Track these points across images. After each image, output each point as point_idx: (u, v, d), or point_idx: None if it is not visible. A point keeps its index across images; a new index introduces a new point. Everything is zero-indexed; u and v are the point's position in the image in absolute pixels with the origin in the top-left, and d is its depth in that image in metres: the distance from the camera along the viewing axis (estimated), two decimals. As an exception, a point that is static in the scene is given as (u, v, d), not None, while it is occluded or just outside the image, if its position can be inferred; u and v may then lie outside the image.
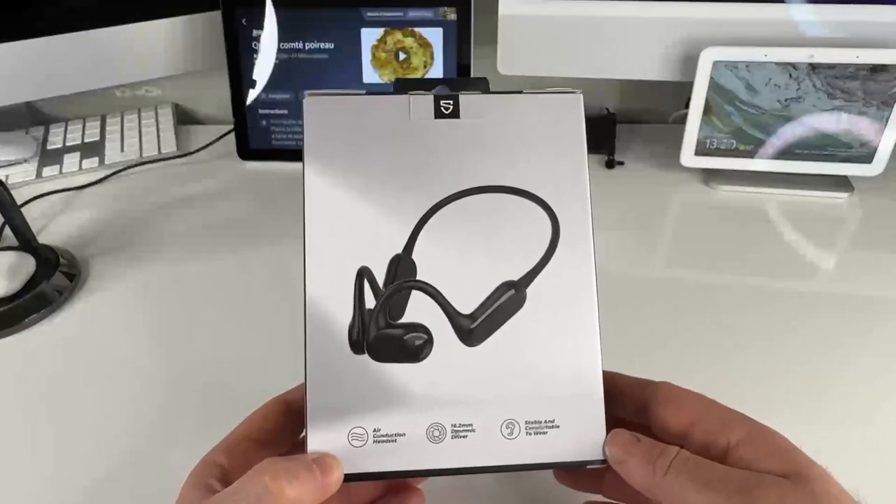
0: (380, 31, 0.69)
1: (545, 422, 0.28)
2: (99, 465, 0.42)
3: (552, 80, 0.79)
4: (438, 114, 0.30)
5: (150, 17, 0.72)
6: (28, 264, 0.55)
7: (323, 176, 0.30)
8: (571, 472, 0.33)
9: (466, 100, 0.30)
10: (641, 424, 0.30)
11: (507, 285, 0.29)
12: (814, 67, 0.61)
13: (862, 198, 0.65)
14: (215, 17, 0.70)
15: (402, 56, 0.69)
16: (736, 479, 0.25)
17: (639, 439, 0.28)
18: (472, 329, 0.29)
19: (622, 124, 0.77)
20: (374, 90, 0.31)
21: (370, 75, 0.70)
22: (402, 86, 0.31)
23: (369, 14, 0.68)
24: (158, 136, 0.78)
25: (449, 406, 0.28)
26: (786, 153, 0.65)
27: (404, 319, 0.29)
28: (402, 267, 0.29)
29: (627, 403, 0.30)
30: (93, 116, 0.82)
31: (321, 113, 0.30)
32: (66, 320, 0.54)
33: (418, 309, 0.29)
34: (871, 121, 0.62)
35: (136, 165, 0.74)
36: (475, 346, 0.29)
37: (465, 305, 0.29)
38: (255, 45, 0.70)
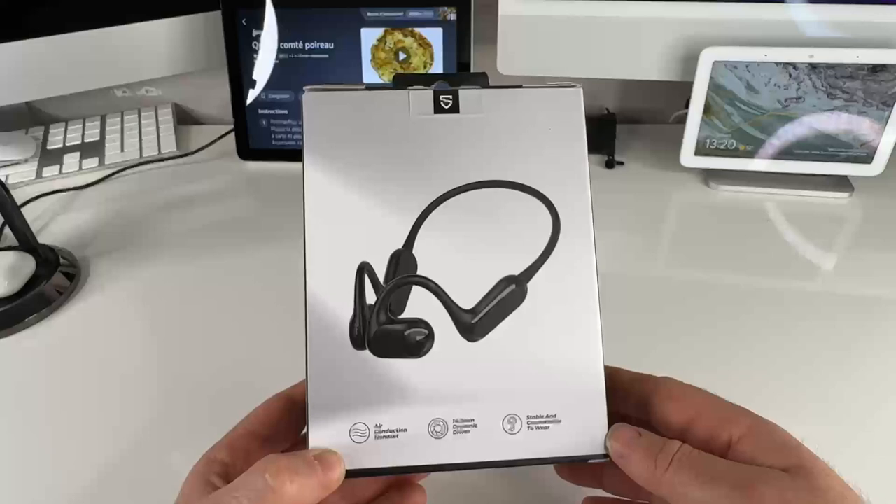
0: (380, 31, 0.69)
1: (547, 416, 0.28)
2: (99, 465, 0.42)
3: (552, 80, 0.79)
4: (438, 109, 0.30)
5: (150, 17, 0.72)
6: (28, 264, 0.55)
7: (323, 171, 0.30)
8: (572, 468, 0.33)
9: (466, 94, 0.30)
10: (642, 419, 0.30)
11: (508, 280, 0.29)
12: (814, 67, 0.61)
13: (862, 198, 0.65)
14: (215, 17, 0.70)
15: (402, 56, 0.69)
16: (738, 473, 0.25)
17: (640, 434, 0.28)
18: (474, 324, 0.29)
19: (622, 124, 0.77)
20: (373, 85, 0.31)
21: (370, 75, 0.70)
22: (402, 81, 0.31)
23: (369, 14, 0.68)
24: (158, 136, 0.78)
25: (450, 401, 0.28)
26: (786, 153, 0.65)
27: (405, 315, 0.29)
28: (402, 262, 0.29)
29: (629, 398, 0.30)
30: (93, 116, 0.82)
31: (320, 108, 0.30)
32: (66, 320, 0.54)
33: (419, 304, 0.29)
34: (871, 121, 0.62)
35: (136, 165, 0.74)
36: (477, 341, 0.29)
37: (467, 300, 0.29)
38: (255, 45, 0.70)
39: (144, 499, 0.40)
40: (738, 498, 0.24)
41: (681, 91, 0.68)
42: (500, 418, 0.28)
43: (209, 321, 0.53)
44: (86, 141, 0.78)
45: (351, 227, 0.29)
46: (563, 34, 0.66)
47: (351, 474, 0.28)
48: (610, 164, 0.71)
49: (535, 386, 0.29)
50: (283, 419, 0.30)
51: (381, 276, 0.29)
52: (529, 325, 0.29)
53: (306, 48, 0.70)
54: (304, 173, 0.30)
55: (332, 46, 0.70)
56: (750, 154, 0.66)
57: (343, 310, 0.29)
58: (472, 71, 0.69)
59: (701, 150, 0.67)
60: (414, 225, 0.29)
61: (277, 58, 0.70)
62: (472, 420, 0.28)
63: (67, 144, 0.78)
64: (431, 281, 0.29)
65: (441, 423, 0.28)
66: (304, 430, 0.29)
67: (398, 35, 0.69)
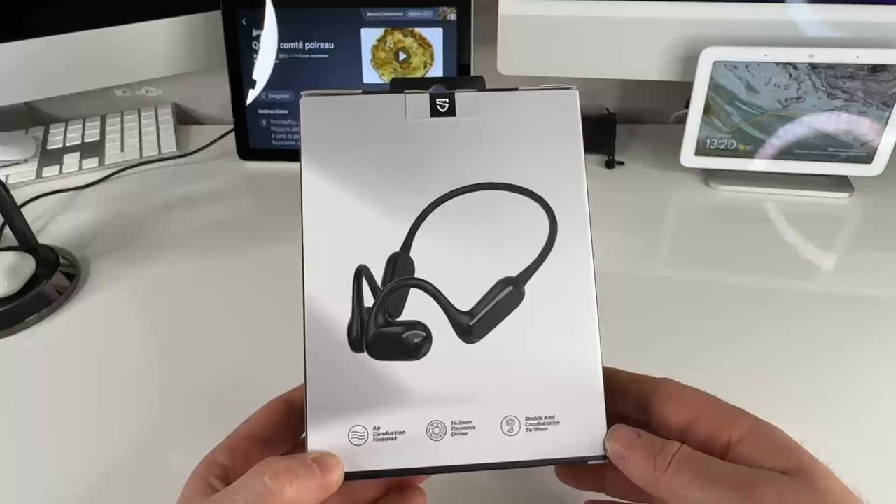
0: (380, 31, 0.69)
1: (545, 418, 0.28)
2: (99, 465, 0.42)
3: (552, 80, 0.79)
4: (434, 112, 0.30)
5: (150, 17, 0.72)
6: (28, 264, 0.55)
7: (320, 175, 0.30)
8: (573, 471, 0.33)
9: (462, 98, 0.30)
10: (642, 420, 0.30)
11: (506, 282, 0.29)
12: (814, 67, 0.61)
13: (862, 198, 0.65)
14: (215, 17, 0.70)
15: (402, 56, 0.69)
16: (738, 475, 0.25)
17: (640, 435, 0.28)
18: (471, 326, 0.29)
19: (622, 124, 0.77)
20: (370, 89, 0.31)
21: (370, 75, 0.70)
22: (399, 85, 0.31)
23: (369, 14, 0.68)
24: (158, 136, 0.78)
25: (449, 403, 0.28)
26: (786, 153, 0.65)
27: (403, 317, 0.29)
28: (400, 265, 0.29)
29: (628, 399, 0.30)
30: (93, 116, 0.82)
31: (317, 112, 0.30)
32: (66, 320, 0.54)
33: (417, 306, 0.29)
34: (871, 121, 0.62)
35: (136, 165, 0.74)
36: (474, 342, 0.29)
37: (464, 302, 0.29)
38: (255, 45, 0.70)
39: (145, 499, 0.40)
40: (739, 500, 0.24)
41: (681, 91, 0.68)
42: (499, 420, 0.28)
43: (209, 321, 0.53)
44: (86, 141, 0.78)
45: (348, 230, 0.29)
46: (563, 34, 0.66)
47: (350, 476, 0.28)
48: (610, 164, 0.71)
49: (533, 387, 0.29)
50: (283, 422, 0.30)
51: (378, 279, 0.29)
52: (527, 327, 0.29)
53: (306, 48, 0.70)
54: (301, 177, 0.30)
55: (332, 46, 0.70)
56: (750, 154, 0.66)
57: (341, 313, 0.29)
58: (471, 72, 0.69)
59: (701, 150, 0.67)
60: (411, 228, 0.29)
61: (277, 58, 0.70)
62: (471, 422, 0.28)
63: (67, 144, 0.78)
64: (428, 283, 0.29)
65: (439, 425, 0.28)
66: (305, 433, 0.29)
67: (398, 35, 0.69)
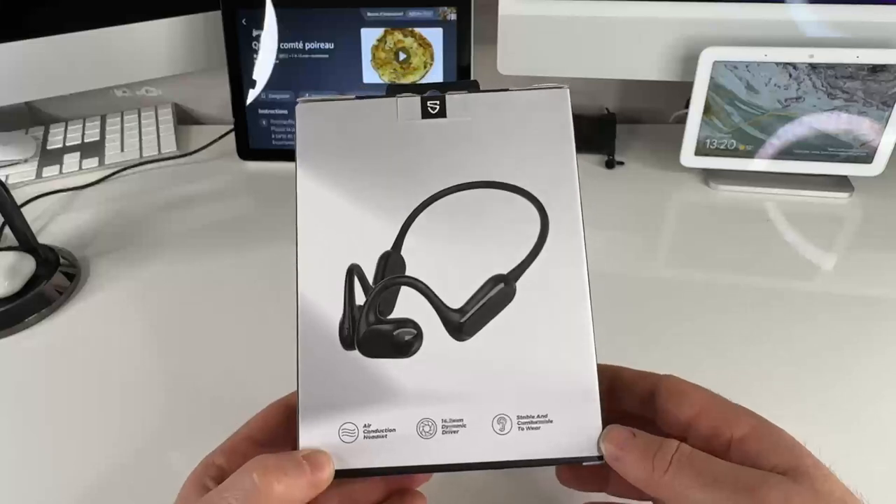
0: (380, 31, 0.69)
1: (538, 417, 0.28)
2: (98, 465, 0.42)
3: (552, 80, 0.78)
4: (425, 114, 0.31)
5: (150, 17, 0.72)
6: (28, 264, 0.55)
7: (314, 179, 0.31)
8: (575, 473, 0.33)
9: (453, 99, 0.31)
10: (646, 417, 0.30)
11: (497, 279, 0.29)
12: (814, 67, 0.61)
13: (862, 198, 0.65)
14: (215, 17, 0.70)
15: (402, 56, 0.69)
16: (741, 476, 0.25)
17: (634, 434, 0.27)
18: (462, 323, 0.29)
19: (622, 124, 0.77)
20: (364, 94, 0.31)
21: (370, 75, 0.70)
22: (394, 90, 0.31)
23: (369, 14, 0.68)
24: (158, 136, 0.78)
25: (439, 401, 0.28)
26: (786, 153, 0.65)
27: (394, 315, 0.29)
28: (391, 263, 0.29)
29: (631, 396, 0.30)
30: (93, 116, 0.82)
31: (312, 119, 0.31)
32: (66, 320, 0.54)
33: (408, 305, 0.29)
34: (871, 121, 0.62)
35: (136, 165, 0.74)
36: (465, 340, 0.29)
37: (455, 300, 0.29)
38: (255, 45, 0.70)
39: (144, 499, 0.40)
40: (742, 501, 0.24)
41: (681, 91, 0.68)
42: (490, 418, 0.28)
43: (209, 321, 0.53)
44: (86, 141, 0.78)
45: (341, 231, 0.30)
46: (563, 34, 0.66)
47: (340, 474, 0.28)
48: (610, 164, 0.71)
49: (525, 385, 0.28)
50: (281, 425, 0.30)
51: (370, 278, 0.29)
52: (518, 324, 0.29)
53: (306, 48, 0.70)
54: (296, 181, 0.31)
55: (332, 46, 0.70)
56: (750, 154, 0.66)
57: (333, 311, 0.29)
58: (472, 73, 0.69)
59: (701, 150, 0.67)
60: (402, 227, 0.30)
61: (277, 58, 0.70)
62: (461, 420, 0.28)
63: (67, 144, 0.78)
64: (419, 281, 0.29)
65: (429, 423, 0.28)
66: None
67: (398, 35, 0.69)
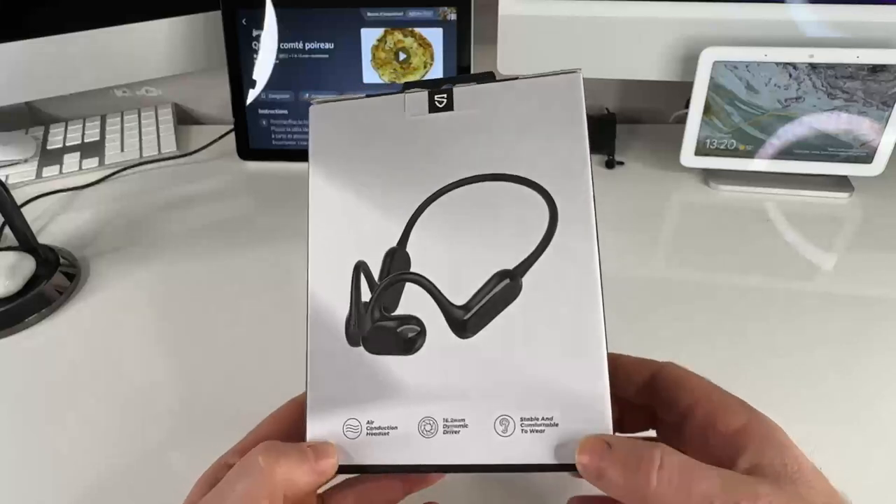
0: (380, 31, 0.69)
1: (542, 419, 0.27)
2: (98, 466, 0.42)
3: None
4: (433, 108, 0.30)
5: (150, 17, 0.72)
6: (28, 264, 0.55)
7: (325, 178, 0.31)
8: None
9: (461, 91, 0.30)
10: (645, 404, 0.30)
11: (503, 274, 0.28)
12: (814, 67, 0.61)
13: (862, 198, 0.65)
14: (215, 17, 0.70)
15: (402, 56, 0.69)
16: (730, 483, 0.24)
17: (610, 445, 0.26)
18: (466, 320, 0.28)
19: (622, 124, 0.77)
20: (375, 93, 0.31)
21: (370, 75, 0.70)
22: (409, 87, 0.31)
23: (369, 14, 0.68)
24: (158, 136, 0.78)
25: (441, 400, 0.28)
26: (786, 153, 0.65)
27: (399, 312, 0.29)
28: (396, 260, 0.29)
29: (629, 383, 0.30)
30: (93, 116, 0.82)
31: (325, 119, 0.31)
32: (66, 320, 0.54)
33: (412, 301, 0.29)
34: (871, 121, 0.62)
35: (136, 165, 0.74)
36: (469, 337, 0.28)
37: (460, 296, 0.28)
38: (255, 45, 0.70)
39: (145, 499, 0.40)
40: None
41: (681, 91, 0.68)
42: (492, 419, 0.27)
43: (209, 321, 0.53)
44: (86, 141, 0.78)
45: (350, 228, 0.30)
46: (563, 34, 0.66)
47: (343, 469, 0.28)
48: (610, 164, 0.71)
49: (530, 386, 0.27)
50: (294, 426, 0.30)
51: (376, 275, 0.29)
52: (524, 321, 0.28)
53: (306, 48, 0.70)
54: (309, 181, 0.31)
55: (332, 46, 0.70)
56: (750, 154, 0.66)
57: (341, 308, 0.29)
58: (473, 71, 0.69)
59: (701, 150, 0.67)
60: (408, 223, 0.29)
61: (277, 58, 0.70)
62: (463, 420, 0.27)
63: (67, 144, 0.78)
64: (422, 277, 0.29)
65: (431, 422, 0.28)
66: None
67: (398, 35, 0.69)
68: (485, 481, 0.39)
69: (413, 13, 0.68)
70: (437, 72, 0.70)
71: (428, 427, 0.28)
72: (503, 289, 0.28)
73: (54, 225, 0.65)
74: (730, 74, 0.62)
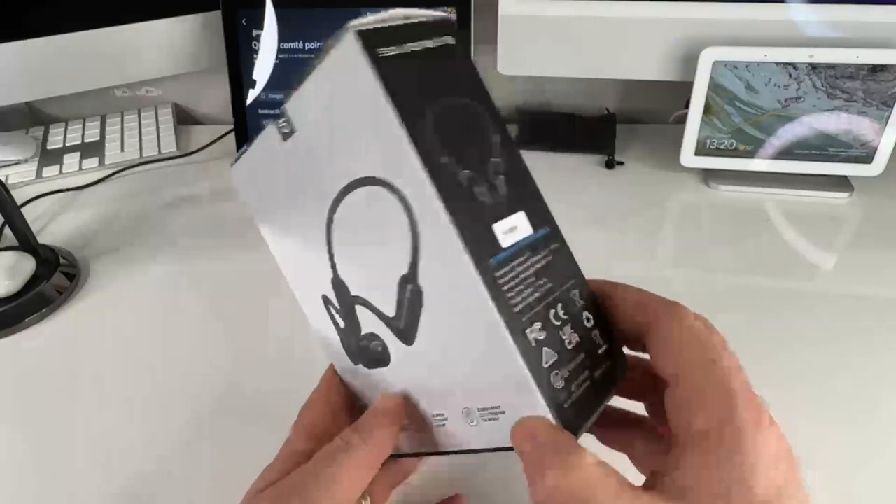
0: (380, 31, 0.69)
1: (491, 408, 0.27)
2: (98, 465, 0.42)
3: (552, 80, 0.79)
4: (284, 136, 0.29)
5: (150, 17, 0.72)
6: (28, 264, 0.55)
7: (269, 232, 0.33)
8: (609, 433, 0.31)
9: (291, 108, 0.28)
10: (638, 350, 0.28)
11: (404, 280, 0.27)
12: (814, 67, 0.61)
13: (862, 198, 0.65)
14: (215, 17, 0.70)
15: (402, 56, 0.69)
16: None
17: (536, 436, 0.24)
18: (402, 329, 0.28)
19: (622, 124, 0.77)
20: (267, 121, 0.29)
21: (370, 75, 0.70)
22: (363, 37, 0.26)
23: (369, 14, 0.68)
24: (158, 136, 0.78)
25: (423, 399, 0.29)
26: (786, 153, 0.65)
27: (364, 331, 0.30)
28: (337, 287, 0.30)
29: (626, 328, 0.28)
30: (93, 116, 0.82)
31: (242, 178, 0.33)
32: (66, 320, 0.54)
33: (368, 321, 0.30)
34: (871, 121, 0.62)
35: (136, 165, 0.74)
36: (412, 344, 0.28)
37: (389, 308, 0.28)
38: (255, 45, 0.70)
39: (144, 498, 0.40)
40: None
41: (681, 91, 0.68)
42: (459, 411, 0.28)
43: (209, 321, 0.53)
44: (86, 141, 0.78)
45: (304, 268, 0.32)
46: (563, 34, 0.66)
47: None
48: (610, 164, 0.71)
49: (468, 381, 0.27)
50: (339, 395, 0.33)
51: (337, 304, 0.31)
52: (437, 322, 0.27)
53: (306, 48, 0.70)
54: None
55: (332, 46, 0.69)
56: (750, 154, 0.66)
57: (333, 336, 0.32)
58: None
59: (701, 150, 0.67)
60: (328, 253, 0.30)
61: (277, 58, 0.70)
62: (443, 413, 0.29)
63: (67, 144, 0.78)
64: (360, 298, 0.29)
65: (427, 417, 0.29)
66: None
67: (398, 35, 0.69)
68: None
69: (413, 13, 0.68)
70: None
71: (426, 422, 0.30)
72: (411, 294, 0.27)
73: (54, 225, 0.65)
74: (730, 74, 0.62)
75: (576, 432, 0.25)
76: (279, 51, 0.70)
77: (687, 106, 0.65)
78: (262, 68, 0.71)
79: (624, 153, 0.73)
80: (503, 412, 0.27)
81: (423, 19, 0.26)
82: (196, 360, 0.49)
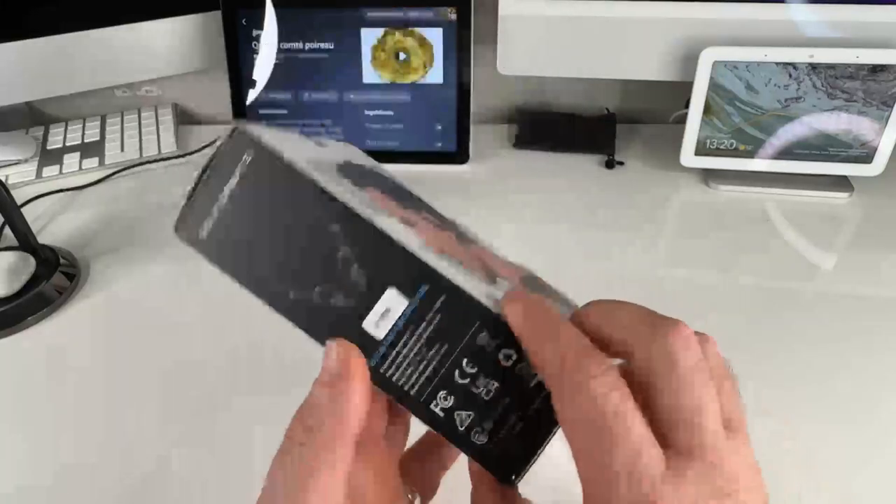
0: (380, 32, 0.69)
1: None
2: (98, 465, 0.42)
3: (552, 80, 0.79)
4: None
5: (149, 17, 0.72)
6: (28, 264, 0.55)
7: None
8: None
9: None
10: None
11: None
12: (814, 67, 0.61)
13: (862, 198, 0.65)
14: (215, 17, 0.70)
15: (402, 56, 0.69)
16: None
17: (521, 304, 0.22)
18: None
19: (622, 124, 0.77)
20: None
21: (370, 75, 0.70)
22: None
23: (369, 14, 0.68)
24: (158, 136, 0.78)
25: None
26: (786, 153, 0.65)
27: None
28: None
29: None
30: (93, 116, 0.82)
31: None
32: (66, 320, 0.54)
33: None
34: (871, 121, 0.62)
35: (136, 165, 0.74)
36: None
37: None
38: (255, 45, 0.70)
39: (144, 498, 0.40)
40: None
41: (681, 91, 0.68)
42: None
43: (209, 321, 0.53)
44: (86, 141, 0.78)
45: None
46: (563, 34, 0.66)
47: None
48: (610, 164, 0.71)
49: None
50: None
51: None
52: None
53: (306, 48, 0.70)
54: None
55: (332, 46, 0.70)
56: (750, 154, 0.66)
57: None
58: (472, 74, 0.69)
59: (701, 150, 0.67)
60: None
61: (277, 58, 0.70)
62: None
63: (67, 144, 0.78)
64: None
65: None
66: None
67: (398, 35, 0.69)
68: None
69: (413, 13, 0.68)
70: (436, 72, 0.70)
71: None
72: None
73: (54, 225, 0.65)
74: (730, 74, 0.62)
75: (517, 476, 0.24)
76: (279, 51, 0.70)
77: (687, 106, 0.65)
78: (262, 68, 0.71)
79: (624, 153, 0.73)
80: None
81: (217, 150, 0.23)
82: (195, 360, 0.49)
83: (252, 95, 0.72)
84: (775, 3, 0.61)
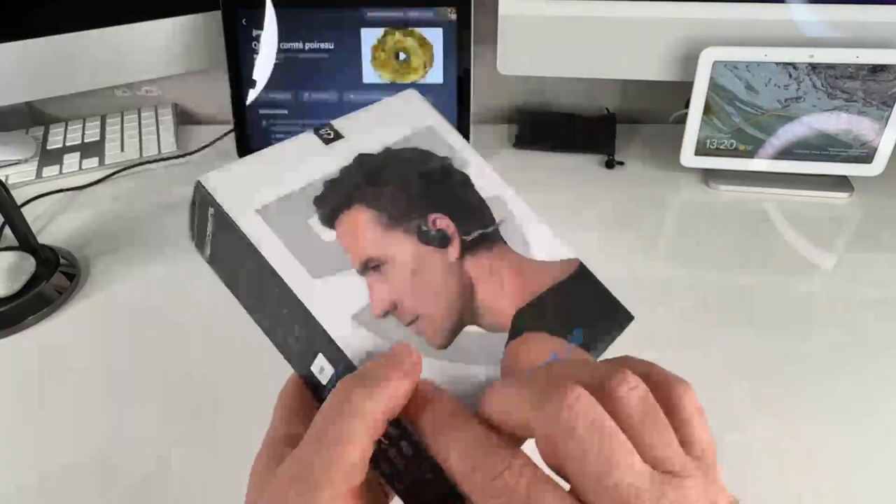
0: (380, 32, 0.69)
1: None
2: (98, 465, 0.42)
3: (552, 80, 0.79)
4: None
5: (150, 17, 0.72)
6: (28, 264, 0.55)
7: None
8: None
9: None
10: None
11: None
12: (814, 67, 0.61)
13: (862, 198, 0.65)
14: (215, 17, 0.70)
15: (402, 56, 0.69)
16: None
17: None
18: None
19: (622, 124, 0.77)
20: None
21: (370, 75, 0.70)
22: None
23: (369, 14, 0.68)
24: (158, 136, 0.78)
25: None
26: (786, 153, 0.65)
27: None
28: None
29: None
30: (93, 116, 0.82)
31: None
32: (66, 320, 0.54)
33: None
34: (871, 121, 0.62)
35: (136, 165, 0.74)
36: None
37: None
38: (255, 45, 0.70)
39: (144, 497, 0.40)
40: None
41: (681, 91, 0.68)
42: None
43: (208, 321, 0.53)
44: (86, 141, 0.78)
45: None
46: (563, 34, 0.66)
47: None
48: (610, 164, 0.71)
49: None
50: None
51: None
52: None
53: (306, 48, 0.70)
54: None
55: (332, 46, 0.70)
56: (750, 154, 0.66)
57: None
58: (472, 73, 0.69)
59: (701, 150, 0.67)
60: None
61: (277, 58, 0.70)
62: None
63: (67, 144, 0.78)
64: None
65: None
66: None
67: (398, 35, 0.69)
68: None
69: (413, 13, 0.68)
70: (436, 72, 0.70)
71: None
72: None
73: (54, 225, 0.65)
74: (730, 74, 0.62)
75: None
76: (279, 51, 0.70)
77: (687, 106, 0.65)
78: (262, 68, 0.71)
79: (624, 153, 0.73)
80: None
81: (193, 197, 0.26)
82: (196, 360, 0.49)
83: (252, 95, 0.72)
84: (775, 3, 0.61)
